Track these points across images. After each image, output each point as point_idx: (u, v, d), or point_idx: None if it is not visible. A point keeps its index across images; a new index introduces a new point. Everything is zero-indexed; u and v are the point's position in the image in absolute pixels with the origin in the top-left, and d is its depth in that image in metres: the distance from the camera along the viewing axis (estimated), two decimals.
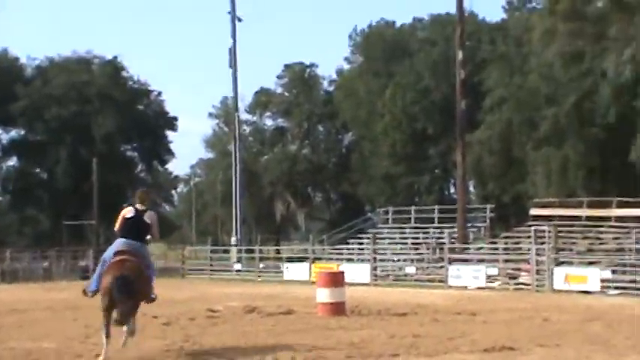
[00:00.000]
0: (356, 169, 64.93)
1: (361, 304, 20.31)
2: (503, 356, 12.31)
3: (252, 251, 43.56)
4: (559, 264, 28.91)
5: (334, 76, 71.52)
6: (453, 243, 35.07)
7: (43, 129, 60.86)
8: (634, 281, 27.32)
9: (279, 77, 73.68)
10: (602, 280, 27.21)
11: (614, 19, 40.54)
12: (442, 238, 36.46)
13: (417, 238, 40.96)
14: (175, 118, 66.71)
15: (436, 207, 43.94)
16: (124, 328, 11.88)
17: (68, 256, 45.01)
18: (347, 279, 20.50)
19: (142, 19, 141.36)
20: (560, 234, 31.59)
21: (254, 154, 72.39)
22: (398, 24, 65.94)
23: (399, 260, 38.06)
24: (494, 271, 31.02)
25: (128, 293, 11.45)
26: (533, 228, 32.60)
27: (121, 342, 12.08)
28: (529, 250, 30.78)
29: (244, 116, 67.90)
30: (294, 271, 37.00)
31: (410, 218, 43.69)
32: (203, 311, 19.40)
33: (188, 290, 29.24)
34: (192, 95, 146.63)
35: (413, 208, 45.19)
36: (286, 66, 73.30)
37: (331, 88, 71.78)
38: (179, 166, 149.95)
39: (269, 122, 75.39)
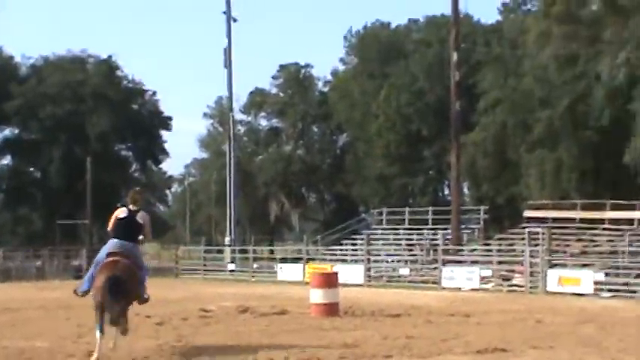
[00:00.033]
0: (350, 169, 64.96)
1: (355, 304, 20.31)
2: (497, 358, 12.33)
3: (245, 251, 43.56)
4: (552, 266, 28.92)
5: (329, 77, 71.61)
6: (446, 244, 35.06)
7: (37, 128, 60.76)
8: (627, 284, 27.37)
9: (274, 77, 73.76)
10: (596, 283, 27.23)
11: (608, 22, 40.61)
12: (436, 239, 36.45)
13: (411, 239, 41.01)
14: (170, 118, 66.68)
15: (430, 208, 43.99)
16: (116, 328, 11.88)
17: (61, 255, 44.94)
18: (341, 280, 20.53)
19: (137, 19, 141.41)
20: (553, 236, 31.61)
21: (248, 154, 72.34)
22: (393, 25, 65.99)
23: (392, 261, 38.09)
24: (487, 272, 31.03)
25: (120, 293, 11.52)
26: (527, 230, 32.67)
27: (113, 342, 12.09)
28: (523, 251, 30.78)
29: (239, 116, 67.89)
30: (288, 271, 36.97)
31: (404, 219, 43.72)
32: (196, 311, 19.39)
33: (181, 290, 29.20)
34: (186, 95, 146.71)
35: (407, 209, 45.23)
36: (281, 66, 73.33)
37: (326, 89, 71.78)
38: (173, 165, 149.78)
39: (263, 122, 75.48)
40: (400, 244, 40.73)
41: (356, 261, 36.45)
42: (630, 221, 35.25)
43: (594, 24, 41.38)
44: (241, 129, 71.16)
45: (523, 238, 32.26)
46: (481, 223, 40.75)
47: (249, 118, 74.82)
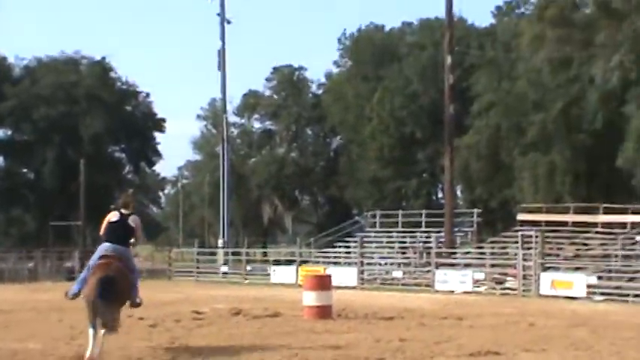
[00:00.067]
0: (343, 172, 64.97)
1: (348, 307, 20.30)
2: None
3: (239, 254, 43.50)
4: (545, 269, 28.96)
5: (323, 80, 71.70)
6: (440, 247, 35.07)
7: (30, 129, 60.66)
8: (619, 287, 27.41)
9: (267, 80, 73.84)
10: (588, 286, 27.25)
11: (602, 25, 40.68)
12: (429, 242, 36.44)
13: (405, 242, 40.98)
14: (163, 120, 66.61)
15: (423, 211, 43.93)
16: (106, 329, 11.83)
17: (54, 256, 44.84)
18: (334, 282, 20.49)
19: (131, 21, 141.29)
20: (546, 239, 31.63)
21: (242, 156, 72.36)
22: (387, 28, 66.11)
23: (386, 264, 38.07)
24: (480, 275, 31.07)
25: (113, 293, 11.56)
26: (520, 233, 32.61)
27: (106, 342, 12.04)
28: (516, 255, 30.80)
29: (232, 118, 67.90)
30: (281, 274, 36.94)
31: (397, 222, 43.69)
32: (189, 313, 19.35)
33: (174, 292, 29.15)
34: (180, 97, 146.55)
35: (400, 212, 45.16)
36: (275, 69, 73.41)
37: (320, 92, 71.85)
38: (166, 167, 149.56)
39: (257, 125, 75.54)
40: (393, 247, 40.70)
41: (349, 264, 36.42)
42: (623, 225, 35.26)
43: (588, 27, 41.46)
44: (235, 131, 71.17)
45: (516, 242, 32.21)
46: (474, 226, 40.71)
47: (243, 121, 74.94)
